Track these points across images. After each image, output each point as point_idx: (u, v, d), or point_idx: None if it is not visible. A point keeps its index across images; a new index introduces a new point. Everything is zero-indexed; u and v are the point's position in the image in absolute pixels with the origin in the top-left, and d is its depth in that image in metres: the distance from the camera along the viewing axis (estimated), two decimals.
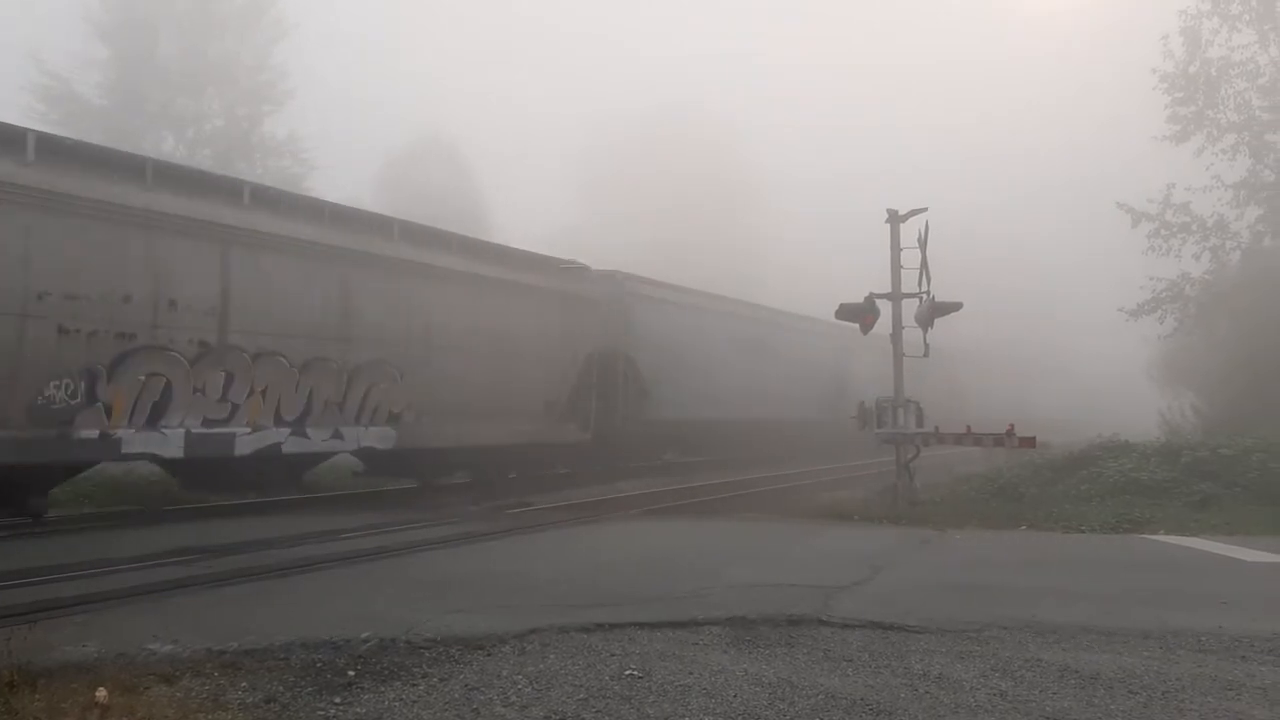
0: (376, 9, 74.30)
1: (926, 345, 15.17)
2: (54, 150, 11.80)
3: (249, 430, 13.40)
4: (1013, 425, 14.92)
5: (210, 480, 14.54)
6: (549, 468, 19.88)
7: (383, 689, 5.06)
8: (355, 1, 71.41)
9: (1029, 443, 14.79)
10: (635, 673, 5.38)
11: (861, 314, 15.55)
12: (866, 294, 15.61)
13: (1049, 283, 55.99)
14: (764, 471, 23.14)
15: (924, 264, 15.15)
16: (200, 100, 33.74)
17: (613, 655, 5.76)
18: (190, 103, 33.35)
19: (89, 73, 32.24)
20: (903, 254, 15.61)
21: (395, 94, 66.76)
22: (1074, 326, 54.19)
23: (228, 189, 13.96)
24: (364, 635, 5.95)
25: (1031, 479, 16.65)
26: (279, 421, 13.86)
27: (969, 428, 15.53)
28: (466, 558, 10.51)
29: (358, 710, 4.74)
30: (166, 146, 31.33)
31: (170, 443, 12.51)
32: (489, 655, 5.72)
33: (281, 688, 5.04)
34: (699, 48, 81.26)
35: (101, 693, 4.76)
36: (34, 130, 11.90)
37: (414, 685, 5.13)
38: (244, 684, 5.09)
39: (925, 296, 15.19)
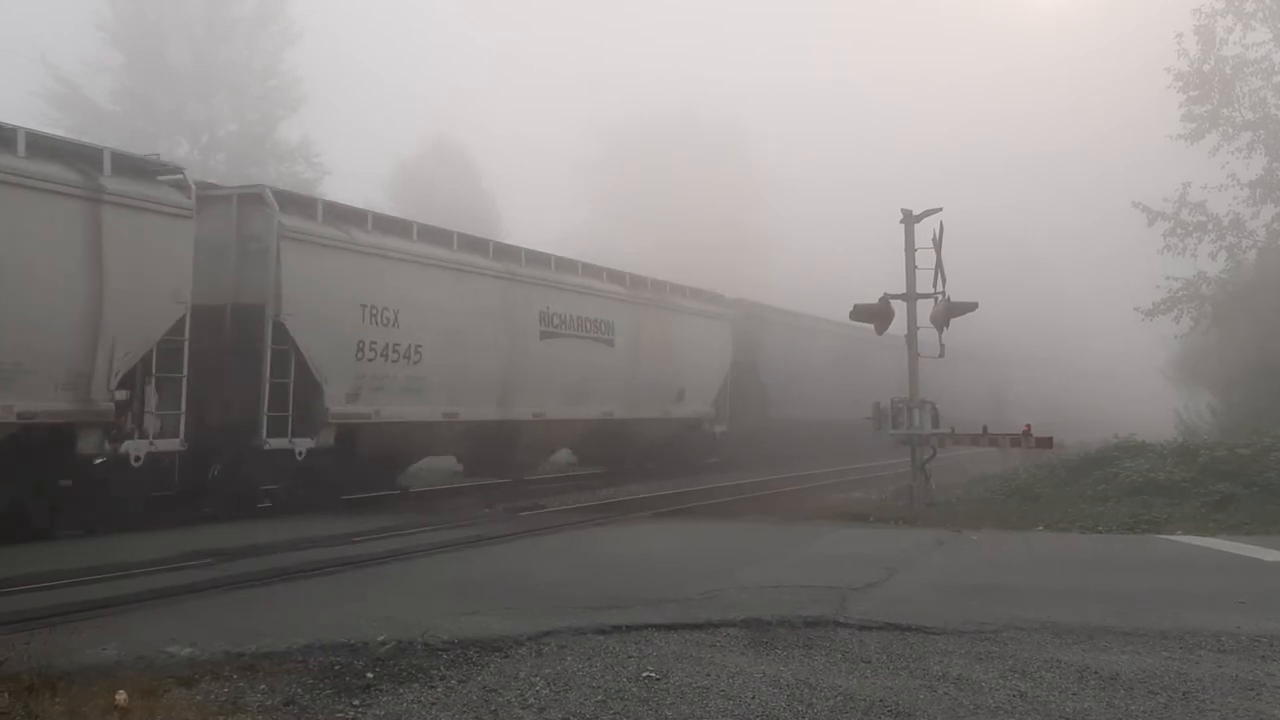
0: (388, 15, 74.55)
1: (942, 346, 15.14)
2: None
3: None
4: (1029, 426, 14.87)
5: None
6: None
7: (401, 691, 5.06)
8: (365, 7, 71.64)
9: (1046, 443, 14.75)
10: (653, 674, 5.37)
11: (876, 315, 15.52)
12: (881, 295, 15.57)
13: (1065, 283, 55.82)
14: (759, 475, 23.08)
15: (939, 264, 15.11)
16: (212, 105, 33.92)
17: (629, 657, 5.75)
18: (202, 108, 33.53)
19: (101, 78, 32.49)
20: (917, 254, 15.56)
21: (407, 98, 66.95)
22: (1090, 326, 53.99)
23: None
24: (381, 638, 5.95)
25: (1047, 480, 16.58)
26: None
27: (985, 428, 15.48)
28: (480, 560, 10.52)
29: (376, 712, 4.74)
30: (181, 151, 31.51)
31: None
32: (506, 657, 5.72)
33: (300, 690, 5.05)
34: (714, 50, 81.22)
35: (121, 696, 4.77)
36: None
37: (432, 687, 5.13)
38: (263, 686, 5.10)
39: (940, 297, 15.15)
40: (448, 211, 25.92)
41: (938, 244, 15.09)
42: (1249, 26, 26.35)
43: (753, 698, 4.99)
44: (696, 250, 38.02)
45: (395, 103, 70.30)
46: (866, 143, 60.85)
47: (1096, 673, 5.46)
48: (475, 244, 17.99)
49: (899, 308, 15.58)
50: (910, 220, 15.68)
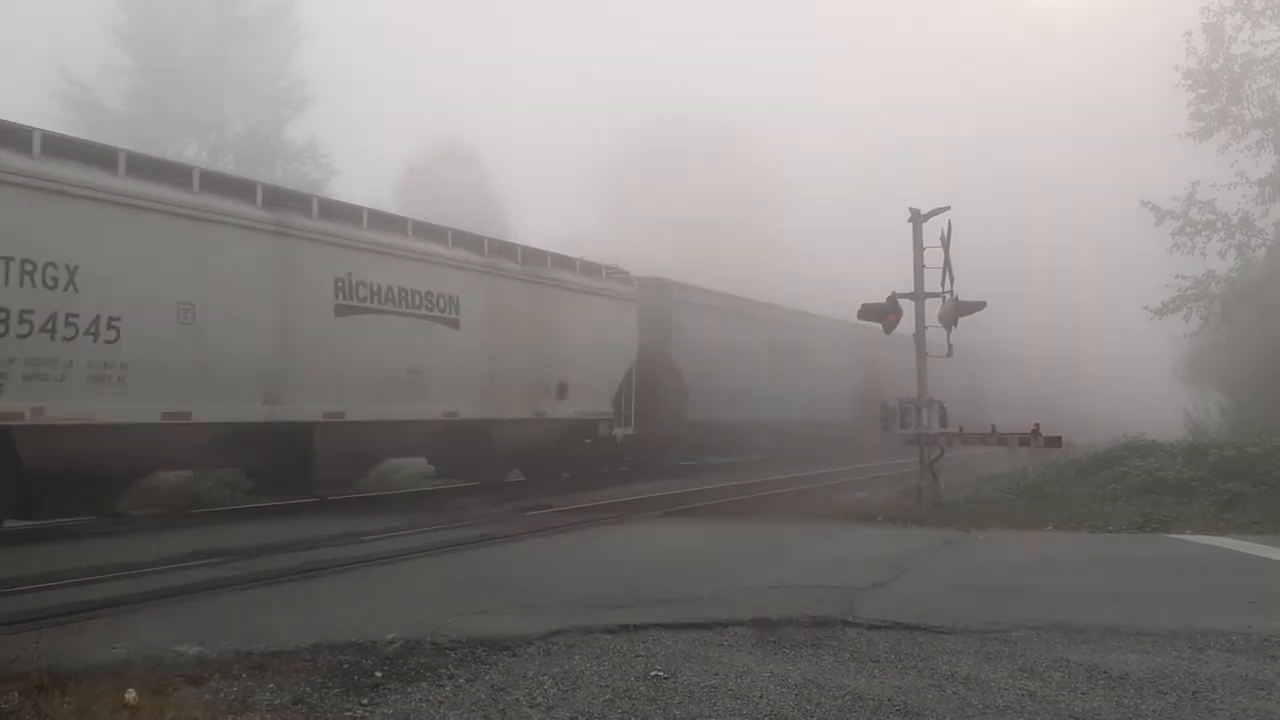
0: (395, 13, 74.69)
1: (950, 345, 15.13)
2: None
3: None
4: (1038, 425, 14.85)
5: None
6: None
7: (409, 690, 5.06)
8: (374, 7, 71.77)
9: (1055, 443, 14.73)
10: (661, 674, 5.37)
11: (884, 313, 15.52)
12: (889, 294, 15.57)
13: (1073, 282, 55.71)
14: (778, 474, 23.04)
15: (947, 263, 15.11)
16: (221, 106, 34.01)
17: (638, 656, 5.74)
18: (212, 109, 33.62)
19: (113, 80, 32.62)
20: (925, 253, 15.56)
21: (415, 99, 67.02)
22: (1098, 326, 53.90)
23: None
24: (390, 636, 5.96)
25: (1056, 479, 16.57)
26: None
27: (994, 428, 15.46)
28: (488, 560, 10.53)
29: (385, 711, 4.75)
30: (189, 153, 31.58)
31: None
32: (514, 656, 5.72)
33: (309, 689, 5.05)
34: (723, 55, 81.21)
35: (130, 694, 4.78)
36: None
37: (440, 686, 5.13)
38: (271, 685, 5.10)
39: (948, 296, 15.14)
40: (456, 213, 25.79)
41: (946, 243, 15.08)
42: (1258, 24, 26.30)
43: (761, 697, 4.98)
44: (705, 254, 37.90)
45: (402, 104, 70.34)
46: (874, 146, 60.69)
47: (1106, 672, 5.44)
48: (233, 186, 13.90)
49: (907, 307, 15.58)
50: (918, 219, 15.67)
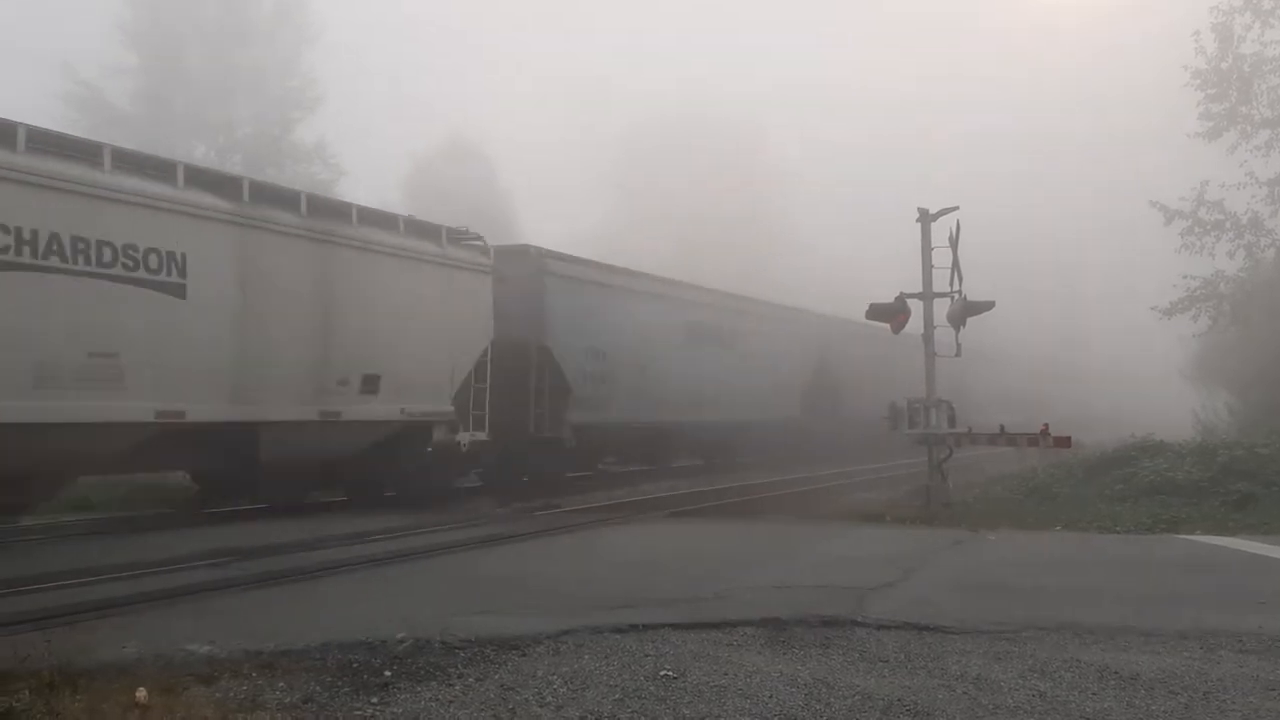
0: (399, 12, 74.85)
1: (959, 345, 15.10)
2: None
3: None
4: (1047, 425, 14.82)
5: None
6: None
7: (419, 689, 5.07)
8: (376, 6, 71.90)
9: (1064, 443, 14.68)
10: (670, 673, 5.37)
11: (893, 314, 15.49)
12: (897, 293, 15.55)
13: (1081, 282, 55.60)
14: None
15: (955, 263, 15.07)
16: (229, 107, 34.04)
17: (647, 656, 5.74)
18: (219, 110, 33.65)
19: (119, 80, 32.67)
20: (934, 253, 15.53)
21: (422, 98, 67.13)
22: (1107, 326, 53.82)
23: None
24: (399, 636, 5.96)
25: (1065, 479, 16.53)
26: None
27: (1002, 428, 15.43)
28: (496, 559, 10.54)
29: (395, 710, 4.75)
30: (197, 154, 31.60)
31: None
32: (524, 656, 5.73)
33: (319, 688, 5.06)
34: (730, 50, 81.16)
35: (141, 693, 4.79)
36: None
37: (450, 685, 5.14)
38: (281, 684, 5.11)
39: (957, 296, 15.11)
40: (464, 210, 25.76)
41: (954, 242, 15.05)
42: (1267, 24, 26.19)
43: (770, 697, 4.98)
44: (713, 250, 37.79)
45: (410, 101, 70.37)
46: (882, 145, 60.61)
47: (1116, 673, 5.43)
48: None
49: (915, 307, 15.56)
50: (927, 219, 15.64)
